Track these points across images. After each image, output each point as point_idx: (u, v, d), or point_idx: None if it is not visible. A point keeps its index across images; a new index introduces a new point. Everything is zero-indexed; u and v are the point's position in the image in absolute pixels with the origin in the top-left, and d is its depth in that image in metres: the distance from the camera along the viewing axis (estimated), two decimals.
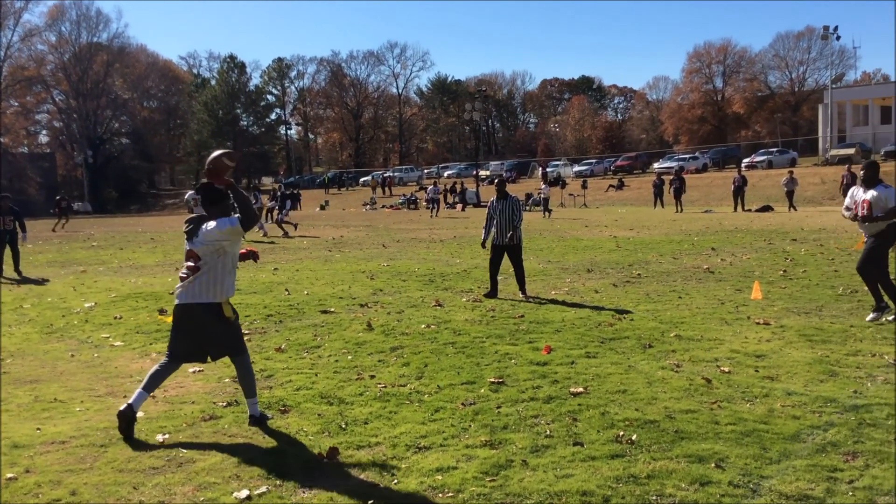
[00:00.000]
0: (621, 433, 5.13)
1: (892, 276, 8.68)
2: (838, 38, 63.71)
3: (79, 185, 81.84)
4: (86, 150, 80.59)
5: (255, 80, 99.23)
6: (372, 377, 6.88)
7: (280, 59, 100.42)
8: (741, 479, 4.34)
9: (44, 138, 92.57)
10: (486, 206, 12.17)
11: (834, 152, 52.49)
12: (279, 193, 29.02)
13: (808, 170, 46.46)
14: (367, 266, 15.63)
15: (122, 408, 5.47)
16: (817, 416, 5.34)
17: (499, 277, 11.52)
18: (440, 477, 4.55)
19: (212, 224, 5.48)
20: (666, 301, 10.41)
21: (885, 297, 8.53)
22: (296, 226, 27.37)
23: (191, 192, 32.42)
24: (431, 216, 37.64)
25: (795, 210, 31.50)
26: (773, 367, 6.71)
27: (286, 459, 4.94)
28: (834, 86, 67.95)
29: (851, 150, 50.45)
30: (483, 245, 11.62)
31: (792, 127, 79.79)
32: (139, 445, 5.26)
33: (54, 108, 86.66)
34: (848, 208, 9.02)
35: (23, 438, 5.43)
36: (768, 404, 5.66)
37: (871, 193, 8.49)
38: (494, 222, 11.25)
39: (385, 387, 6.54)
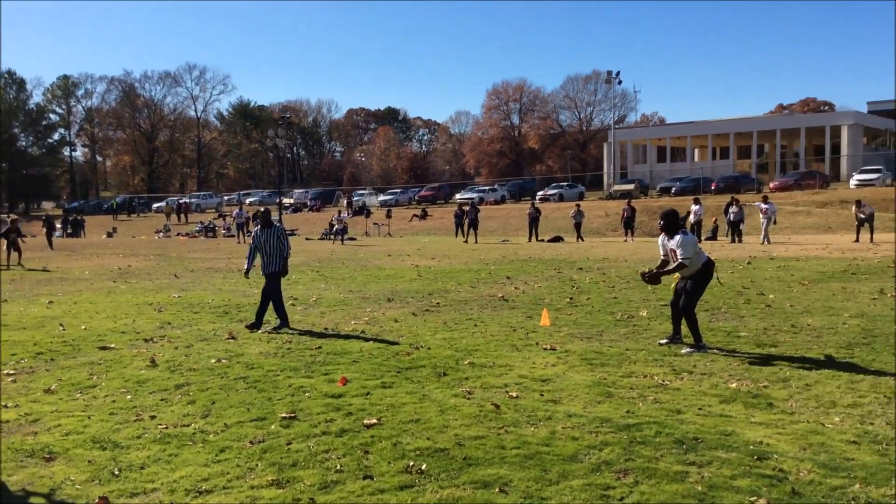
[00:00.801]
0: (412, 463, 5.13)
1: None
2: (620, 82, 69.38)
3: None
4: None
5: (37, 98, 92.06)
6: (152, 418, 6.45)
7: (66, 77, 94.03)
8: (523, 501, 4.46)
9: None
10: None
11: (616, 187, 56.91)
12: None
13: (594, 203, 49.92)
14: (155, 297, 14.78)
15: None
16: (594, 437, 5.64)
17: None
18: None
19: None
20: (462, 329, 10.66)
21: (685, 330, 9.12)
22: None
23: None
24: (238, 242, 36.77)
25: (583, 240, 33.65)
26: (557, 391, 7.04)
27: None
28: (617, 126, 73.82)
29: (631, 186, 55.01)
30: (246, 275, 11.50)
31: (581, 163, 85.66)
32: None
33: None
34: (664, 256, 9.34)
35: None
36: (551, 427, 5.91)
37: (676, 240, 8.97)
38: (262, 252, 11.03)
39: (166, 427, 6.14)
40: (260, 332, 10.62)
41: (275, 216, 48.77)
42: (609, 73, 67.88)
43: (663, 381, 7.38)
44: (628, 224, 33.60)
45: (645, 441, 5.52)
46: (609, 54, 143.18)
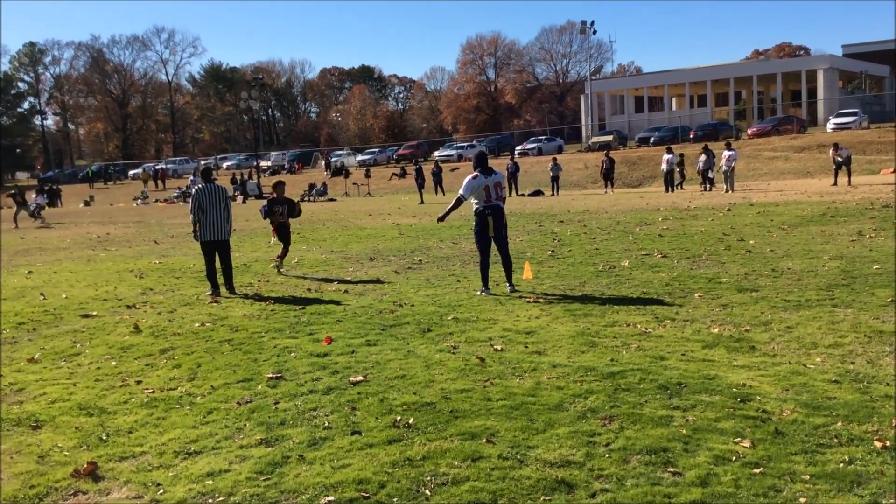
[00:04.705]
0: (399, 418, 5.16)
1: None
2: (594, 32, 68.72)
3: None
4: None
5: (4, 67, 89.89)
6: (138, 383, 6.44)
7: (32, 44, 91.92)
8: (510, 451, 4.51)
9: None
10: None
11: (595, 139, 56.72)
12: None
13: (573, 156, 49.85)
14: (136, 264, 14.66)
15: None
16: (579, 385, 5.69)
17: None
18: (211, 482, 4.33)
19: None
20: (445, 285, 10.68)
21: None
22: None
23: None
24: None
25: (557, 195, 33.61)
26: (541, 343, 7.08)
27: (36, 479, 4.47)
28: (593, 78, 73.33)
29: (609, 137, 54.82)
30: (196, 237, 10.96)
31: (558, 116, 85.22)
32: None
33: None
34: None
35: None
36: (536, 377, 5.96)
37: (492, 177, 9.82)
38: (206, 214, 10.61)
39: (153, 392, 6.14)
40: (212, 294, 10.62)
41: (253, 181, 48.31)
42: (583, 23, 67.13)
43: (646, 329, 7.44)
44: (608, 175, 33.60)
45: (629, 388, 5.58)
46: (583, 4, 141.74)
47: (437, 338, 7.51)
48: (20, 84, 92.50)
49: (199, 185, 10.87)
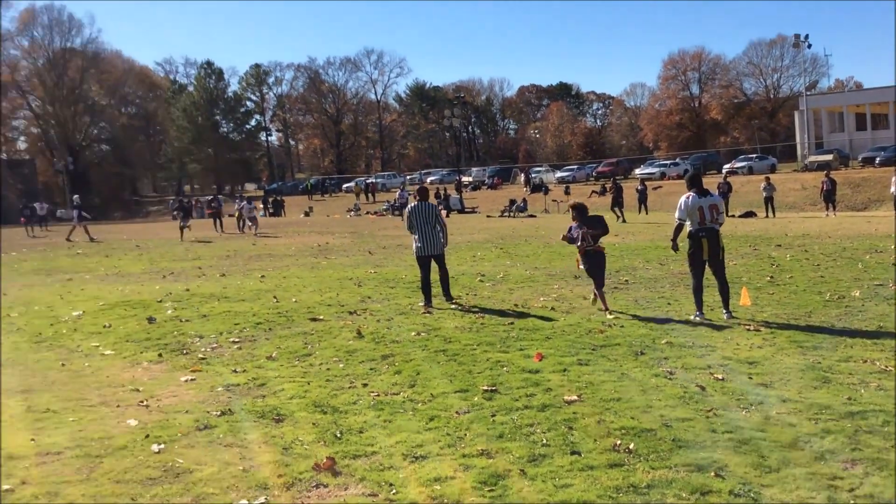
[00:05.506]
0: (618, 442, 5.12)
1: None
2: (809, 45, 64.40)
3: (60, 192, 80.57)
4: (66, 157, 79.53)
5: (234, 87, 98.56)
6: (364, 385, 6.84)
7: (257, 66, 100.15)
8: (741, 487, 4.34)
9: (22, 144, 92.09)
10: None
11: (813, 158, 53.00)
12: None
13: (788, 175, 46.88)
14: (354, 273, 15.57)
15: None
16: (813, 424, 5.36)
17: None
18: (439, 487, 4.53)
19: None
20: (655, 307, 10.44)
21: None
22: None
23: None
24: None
25: (774, 216, 31.71)
26: (767, 374, 6.74)
27: (283, 469, 4.89)
28: (808, 93, 68.61)
29: (829, 157, 51.03)
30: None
31: (769, 133, 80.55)
32: (135, 456, 5.20)
33: (31, 114, 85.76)
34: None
35: (18, 449, 5.37)
36: (764, 412, 5.68)
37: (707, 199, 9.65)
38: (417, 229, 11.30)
39: (378, 395, 6.51)
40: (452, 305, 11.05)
41: (456, 196, 49.74)
42: (797, 36, 63.09)
43: (886, 366, 6.86)
44: (829, 197, 31.32)
45: (872, 430, 5.18)
46: (794, 17, 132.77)
47: (650, 361, 7.36)
48: (248, 103, 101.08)
49: (413, 204, 11.50)
